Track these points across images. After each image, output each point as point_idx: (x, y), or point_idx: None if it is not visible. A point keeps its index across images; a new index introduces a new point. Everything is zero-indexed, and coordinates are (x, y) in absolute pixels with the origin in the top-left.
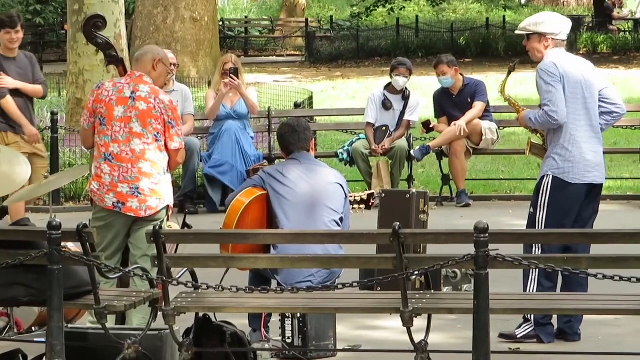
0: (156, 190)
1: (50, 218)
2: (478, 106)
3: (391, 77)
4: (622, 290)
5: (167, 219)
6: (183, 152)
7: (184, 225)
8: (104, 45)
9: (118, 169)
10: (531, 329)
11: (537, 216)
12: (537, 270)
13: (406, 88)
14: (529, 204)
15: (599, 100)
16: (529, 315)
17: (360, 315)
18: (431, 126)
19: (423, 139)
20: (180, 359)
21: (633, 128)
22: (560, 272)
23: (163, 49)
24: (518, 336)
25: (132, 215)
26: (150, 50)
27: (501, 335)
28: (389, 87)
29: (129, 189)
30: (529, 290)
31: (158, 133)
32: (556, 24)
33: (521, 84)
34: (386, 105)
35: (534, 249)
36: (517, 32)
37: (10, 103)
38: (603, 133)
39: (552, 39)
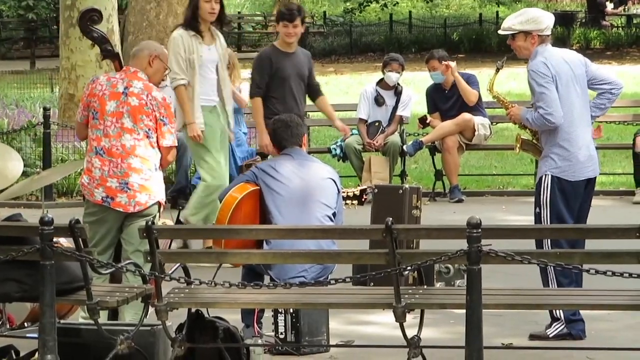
0: (146, 186)
1: (42, 213)
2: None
3: (383, 73)
4: (614, 285)
5: (160, 216)
6: (174, 152)
7: (177, 222)
8: (99, 39)
9: (108, 163)
10: (562, 327)
11: (542, 215)
12: (553, 268)
13: (398, 84)
14: (522, 199)
15: (593, 84)
16: (557, 314)
17: (353, 310)
18: (427, 121)
19: (416, 134)
20: (173, 355)
21: (625, 124)
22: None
23: (161, 46)
24: (550, 336)
25: (121, 210)
26: (147, 46)
27: (532, 337)
28: (381, 83)
29: (118, 183)
30: (551, 288)
31: (149, 129)
32: (540, 20)
33: (514, 80)
34: (378, 101)
35: (544, 245)
36: (500, 32)
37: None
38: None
39: (538, 35)
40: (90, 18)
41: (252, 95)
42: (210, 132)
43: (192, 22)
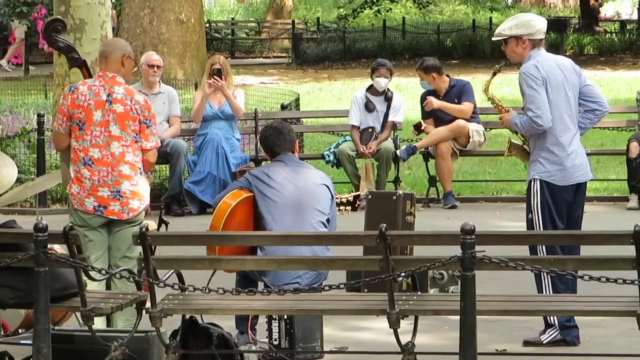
0: (136, 192)
1: (36, 220)
2: (466, 105)
3: (372, 79)
4: (609, 291)
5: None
6: (155, 152)
7: (160, 221)
8: (65, 49)
9: (98, 173)
10: (556, 333)
11: (534, 221)
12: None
13: (388, 89)
14: (516, 205)
15: (581, 99)
16: (551, 320)
17: (347, 316)
18: (422, 128)
19: (410, 140)
20: None
21: (619, 129)
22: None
23: (127, 43)
24: (544, 342)
25: (115, 218)
26: (118, 46)
27: (526, 343)
28: (371, 89)
29: (110, 192)
30: (545, 294)
31: (137, 134)
32: (531, 24)
33: (507, 85)
34: (368, 107)
35: (538, 252)
36: (494, 38)
37: None
38: (587, 133)
39: (529, 39)
40: (54, 28)
41: None
42: None
43: None
